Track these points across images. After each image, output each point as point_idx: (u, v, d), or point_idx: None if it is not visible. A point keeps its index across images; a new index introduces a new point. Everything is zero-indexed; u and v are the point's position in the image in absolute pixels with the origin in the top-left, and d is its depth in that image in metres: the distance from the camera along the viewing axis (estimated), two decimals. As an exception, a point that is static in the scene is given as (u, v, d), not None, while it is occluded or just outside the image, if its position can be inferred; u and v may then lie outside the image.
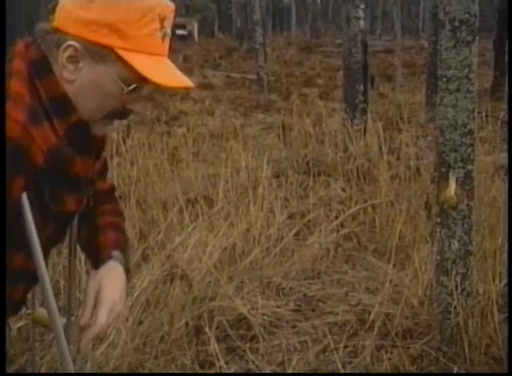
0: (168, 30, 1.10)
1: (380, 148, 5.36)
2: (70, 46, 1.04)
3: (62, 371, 1.23)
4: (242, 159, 5.44)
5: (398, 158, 5.35)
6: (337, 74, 12.80)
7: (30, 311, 1.42)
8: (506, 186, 2.85)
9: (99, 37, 1.03)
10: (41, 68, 1.06)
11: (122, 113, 1.13)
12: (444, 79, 2.34)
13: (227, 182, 4.85)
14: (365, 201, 4.57)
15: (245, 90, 12.97)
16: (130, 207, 4.36)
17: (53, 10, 1.07)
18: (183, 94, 12.18)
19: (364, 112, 6.64)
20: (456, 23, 2.26)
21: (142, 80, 1.05)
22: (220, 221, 4.08)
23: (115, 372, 2.70)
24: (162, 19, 1.07)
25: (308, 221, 4.30)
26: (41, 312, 1.41)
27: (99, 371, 2.70)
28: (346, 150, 5.71)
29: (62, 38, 1.05)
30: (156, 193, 4.73)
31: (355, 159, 5.41)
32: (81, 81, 1.06)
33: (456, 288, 2.50)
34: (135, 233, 3.98)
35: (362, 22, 6.75)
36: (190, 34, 34.66)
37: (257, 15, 11.68)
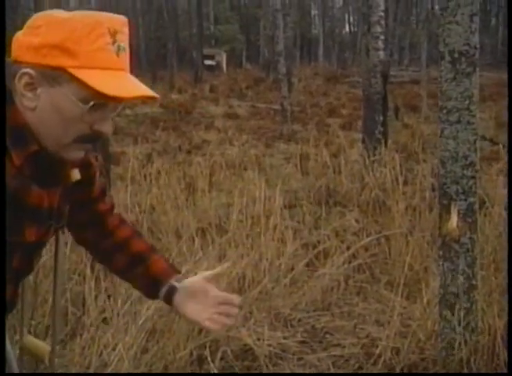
0: (123, 44, 1.08)
1: (397, 179, 5.31)
2: (24, 74, 1.05)
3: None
4: (258, 188, 5.45)
5: (414, 189, 5.29)
6: (362, 103, 12.81)
7: (18, 337, 1.42)
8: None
9: (50, 60, 1.04)
10: (6, 99, 1.07)
11: (91, 136, 1.11)
12: (444, 111, 2.32)
13: (241, 211, 4.84)
14: (379, 232, 4.52)
15: (269, 120, 13.06)
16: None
17: (10, 43, 1.09)
18: (207, 123, 12.32)
19: (383, 143, 6.62)
20: (456, 55, 2.25)
21: (100, 96, 1.04)
22: (230, 250, 4.07)
23: (115, 372, 2.70)
24: (113, 33, 1.06)
25: (320, 252, 4.26)
26: (29, 340, 1.42)
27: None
28: (362, 180, 5.68)
29: (17, 67, 1.06)
30: (170, 221, 4.74)
31: (370, 190, 5.37)
32: (41, 108, 1.06)
33: (460, 323, 2.44)
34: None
35: (381, 53, 6.77)
36: (218, 64, 35.11)
37: (281, 46, 11.80)
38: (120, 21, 1.09)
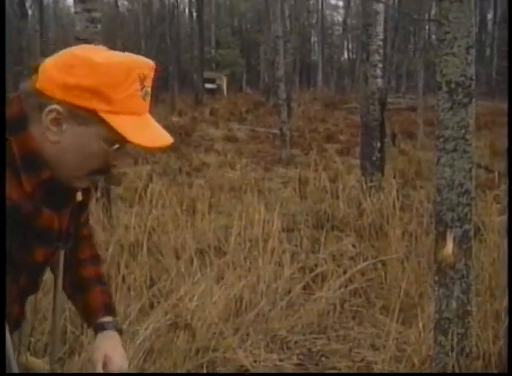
0: (149, 89, 1.13)
1: (394, 204, 5.35)
2: (53, 110, 1.07)
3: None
4: (256, 212, 5.48)
5: (411, 215, 5.31)
6: (360, 130, 12.89)
7: (16, 355, 1.43)
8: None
9: (82, 101, 1.06)
10: (17, 125, 1.09)
11: (106, 168, 1.16)
12: (441, 139, 2.36)
13: (239, 234, 4.86)
14: (376, 257, 4.54)
15: (268, 144, 13.12)
16: (142, 255, 4.40)
17: (35, 70, 1.10)
18: (207, 146, 12.37)
19: (380, 168, 6.66)
20: (453, 86, 2.30)
21: (123, 140, 1.09)
22: (228, 272, 4.09)
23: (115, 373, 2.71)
24: (142, 79, 1.10)
25: (317, 275, 4.28)
26: (28, 358, 1.43)
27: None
28: (360, 205, 5.71)
29: (45, 102, 1.07)
30: (169, 242, 4.75)
31: (367, 215, 5.40)
32: (65, 143, 1.09)
33: (454, 348, 2.45)
34: (144, 280, 4.00)
35: (379, 80, 6.84)
36: (219, 88, 35.34)
37: (281, 71, 11.91)
38: (149, 66, 1.13)
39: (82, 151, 1.10)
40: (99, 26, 5.53)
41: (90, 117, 1.07)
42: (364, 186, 6.03)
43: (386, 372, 3.00)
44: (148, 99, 1.13)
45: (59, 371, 1.34)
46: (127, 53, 1.13)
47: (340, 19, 53.70)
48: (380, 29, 6.82)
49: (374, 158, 6.74)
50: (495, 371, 2.41)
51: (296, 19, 34.53)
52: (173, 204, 5.87)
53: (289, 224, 5.76)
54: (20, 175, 1.08)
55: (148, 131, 1.11)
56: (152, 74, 1.14)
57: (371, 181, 6.38)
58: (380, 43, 6.84)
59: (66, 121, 1.08)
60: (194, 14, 29.84)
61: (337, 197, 6.32)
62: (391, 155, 9.67)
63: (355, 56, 48.80)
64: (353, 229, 5.30)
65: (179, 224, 5.22)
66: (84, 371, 2.85)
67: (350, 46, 54.58)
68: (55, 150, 1.10)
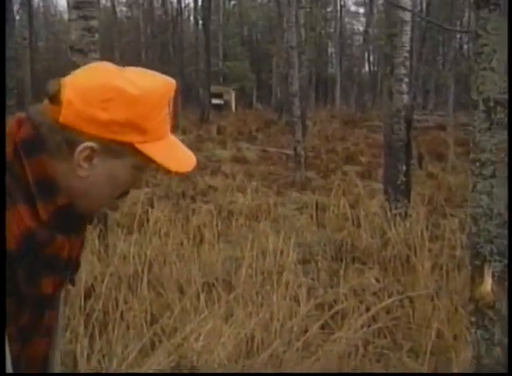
0: (171, 110, 1.20)
1: (422, 234, 5.33)
2: (87, 148, 1.11)
3: None
4: (269, 241, 5.48)
5: (441, 246, 5.29)
6: (383, 151, 12.92)
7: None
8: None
9: (120, 136, 1.12)
10: (31, 148, 1.11)
11: (127, 191, 1.24)
12: (477, 163, 2.34)
13: (250, 265, 4.86)
14: (402, 293, 4.51)
15: (281, 166, 13.18)
16: (142, 289, 4.39)
17: (53, 99, 1.11)
18: (214, 167, 12.42)
19: (406, 194, 6.65)
20: (491, 104, 2.29)
21: (152, 163, 1.17)
22: (238, 308, 4.07)
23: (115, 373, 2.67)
24: (169, 102, 1.18)
25: (336, 313, 4.25)
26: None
27: None
28: (384, 235, 5.69)
29: (75, 138, 1.11)
30: (173, 275, 4.75)
31: (392, 246, 5.38)
32: (96, 177, 1.15)
33: (493, 399, 2.41)
34: (144, 317, 3.99)
35: (405, 97, 6.88)
36: (227, 103, 35.66)
37: (295, 86, 12.00)
38: (174, 87, 1.19)
39: (114, 182, 1.17)
40: (96, 35, 5.59)
41: (124, 149, 1.13)
42: (388, 214, 6.03)
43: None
44: (170, 119, 1.21)
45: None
46: (155, 74, 1.18)
47: (361, 28, 54.08)
48: (406, 39, 6.86)
49: (399, 182, 6.75)
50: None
51: (312, 29, 34.76)
52: (176, 232, 5.89)
53: (305, 255, 5.76)
54: (36, 202, 1.11)
55: (176, 154, 1.20)
56: (174, 94, 1.21)
57: (396, 208, 6.38)
58: (406, 55, 6.88)
59: (97, 156, 1.13)
60: (200, 22, 30.11)
61: (359, 226, 6.33)
62: (418, 179, 9.69)
63: (377, 69, 49.09)
64: (376, 261, 5.29)
65: (183, 254, 5.23)
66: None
67: (371, 58, 55.01)
68: (83, 184, 1.15)
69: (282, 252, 5.20)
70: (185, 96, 34.28)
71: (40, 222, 1.11)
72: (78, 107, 1.10)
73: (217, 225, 6.41)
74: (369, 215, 6.45)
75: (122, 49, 37.16)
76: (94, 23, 5.56)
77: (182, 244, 5.56)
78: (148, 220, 6.24)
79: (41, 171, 1.11)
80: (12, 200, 1.08)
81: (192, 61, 36.09)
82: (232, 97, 37.32)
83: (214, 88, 32.53)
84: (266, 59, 48.01)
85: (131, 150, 1.13)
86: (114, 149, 1.12)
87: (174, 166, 1.17)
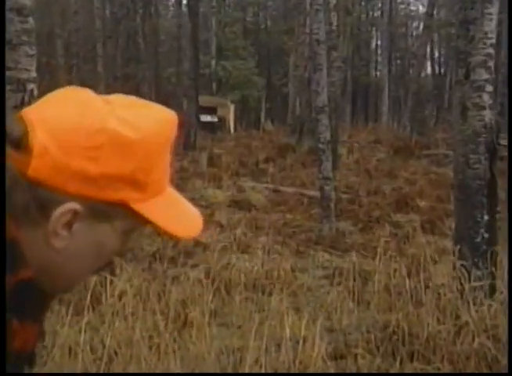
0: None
1: (513, 318, 5.30)
2: (69, 211, 1.13)
3: None
4: (285, 325, 5.46)
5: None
6: (453, 192, 12.91)
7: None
8: None
9: (111, 194, 1.15)
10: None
11: (111, 261, 1.28)
12: None
13: (257, 361, 4.85)
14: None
15: (301, 214, 13.20)
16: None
17: (18, 145, 1.12)
18: (204, 215, 12.31)
19: (490, 257, 6.62)
20: None
21: (145, 224, 1.21)
22: None
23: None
24: (172, 145, 1.23)
25: None
26: None
27: None
28: (457, 319, 5.66)
29: (50, 197, 1.13)
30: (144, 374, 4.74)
31: (472, 335, 5.35)
32: (75, 247, 1.18)
33: None
34: None
35: (487, 113, 6.84)
36: (222, 121, 35.82)
37: (323, 97, 12.00)
38: (176, 123, 1.24)
39: (98, 253, 1.21)
40: (30, 20, 5.62)
41: (115, 210, 1.17)
42: (465, 287, 5.99)
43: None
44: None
45: None
46: (152, 107, 1.23)
47: (421, 9, 54.42)
48: (489, 28, 6.76)
49: (479, 240, 6.73)
50: None
51: (347, 12, 35.04)
52: (149, 311, 5.87)
53: (338, 346, 5.73)
54: None
55: (179, 212, 1.26)
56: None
57: (475, 278, 6.34)
58: (490, 51, 6.82)
59: (80, 220, 1.16)
60: (183, 2, 30.50)
61: (419, 304, 6.28)
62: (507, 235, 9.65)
63: (444, 72, 49.35)
64: (447, 358, 5.24)
65: (159, 344, 5.20)
66: None
67: (436, 55, 55.38)
68: (58, 257, 1.18)
69: (304, 341, 5.16)
70: (161, 111, 34.73)
71: None
72: (56, 157, 1.12)
73: (209, 301, 6.38)
74: (435, 289, 6.40)
75: (67, 41, 37.55)
76: (26, 1, 5.59)
77: (156, 328, 5.53)
78: (106, 294, 6.21)
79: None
80: None
81: (173, 59, 36.61)
82: (230, 112, 37.46)
83: (204, 100, 32.76)
84: (280, 57, 48.58)
85: (124, 210, 1.17)
86: (102, 210, 1.16)
87: (181, 230, 1.21)
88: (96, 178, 1.12)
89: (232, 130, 36.22)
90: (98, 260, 1.22)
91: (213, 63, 43.63)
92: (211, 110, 35.35)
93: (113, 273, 7.05)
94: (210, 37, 43.58)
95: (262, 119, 43.35)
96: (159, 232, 1.22)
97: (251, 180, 17.57)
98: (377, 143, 26.96)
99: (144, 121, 1.17)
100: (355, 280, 7.51)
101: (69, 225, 1.15)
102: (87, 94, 1.20)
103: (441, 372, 5.17)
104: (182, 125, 1.29)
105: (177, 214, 1.23)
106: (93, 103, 1.17)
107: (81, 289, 6.53)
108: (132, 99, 1.23)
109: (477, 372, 2.34)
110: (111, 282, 6.53)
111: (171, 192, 1.25)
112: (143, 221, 1.19)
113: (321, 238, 10.99)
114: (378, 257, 7.90)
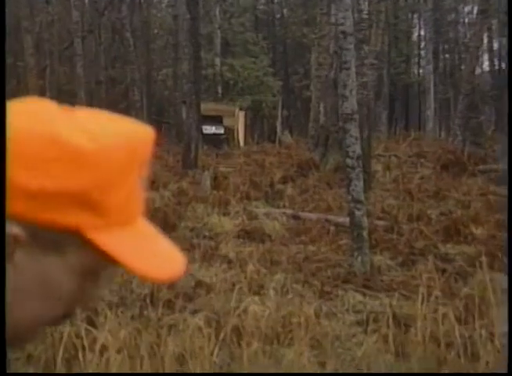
0: (145, 177, 1.26)
1: None
2: (8, 236, 1.13)
3: None
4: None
5: None
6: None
7: None
8: None
9: (57, 215, 1.14)
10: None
11: (68, 314, 1.28)
12: None
13: None
14: None
15: (326, 245, 13.15)
16: None
17: None
18: (207, 248, 12.40)
19: None
20: None
21: (110, 261, 1.19)
22: None
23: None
24: (142, 163, 1.25)
25: None
26: None
27: None
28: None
29: None
30: None
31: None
32: (19, 283, 1.17)
33: None
34: None
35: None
36: (230, 133, 35.73)
37: (352, 102, 11.95)
38: (151, 139, 1.27)
39: (44, 292, 1.19)
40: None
41: (66, 239, 1.16)
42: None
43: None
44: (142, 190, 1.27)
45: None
46: (122, 120, 1.25)
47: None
48: None
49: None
50: None
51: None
52: (138, 369, 5.88)
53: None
54: None
55: (152, 249, 1.24)
56: (150, 150, 1.28)
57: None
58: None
59: (22, 249, 1.15)
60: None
61: (475, 358, 6.27)
62: None
63: (504, 67, 48.94)
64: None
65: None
66: None
67: (495, 47, 54.89)
68: None
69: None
70: (155, 121, 34.69)
71: None
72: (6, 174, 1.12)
73: (213, 353, 6.40)
74: (495, 337, 6.42)
75: (38, 36, 37.51)
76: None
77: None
78: (84, 349, 6.21)
79: None
80: None
81: (168, 58, 36.62)
82: (239, 122, 37.27)
83: (207, 107, 32.52)
84: (299, 53, 48.55)
85: (79, 240, 1.16)
86: (50, 238, 1.15)
87: (153, 270, 1.20)
88: (43, 195, 1.12)
89: (241, 143, 36.08)
90: (47, 303, 1.20)
91: (218, 61, 43.56)
92: (216, 120, 35.13)
93: (91, 323, 7.03)
94: (213, 30, 43.53)
95: (278, 129, 42.98)
96: (127, 271, 1.19)
97: (265, 205, 17.61)
98: (421, 157, 26.60)
99: (105, 131, 1.18)
100: (395, 326, 7.45)
101: (9, 255, 1.14)
102: (46, 104, 1.21)
103: None
104: (159, 145, 1.30)
105: (150, 250, 1.22)
106: (50, 111, 1.19)
107: (54, 342, 6.49)
108: (102, 112, 1.24)
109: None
110: (91, 334, 6.49)
111: (144, 225, 1.25)
112: (105, 256, 1.17)
113: (351, 275, 10.88)
114: (422, 298, 7.83)
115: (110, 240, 1.17)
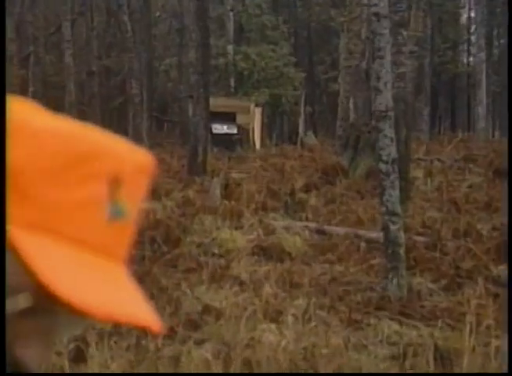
0: (126, 208, 1.20)
1: None
2: None
3: None
4: None
5: None
6: None
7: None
8: None
9: None
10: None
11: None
12: None
13: None
14: None
15: (356, 264, 13.20)
16: None
17: None
18: (216, 267, 12.46)
19: None
20: None
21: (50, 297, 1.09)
22: None
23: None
24: (116, 183, 1.19)
25: None
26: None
27: None
28: None
29: None
30: None
31: None
32: None
33: None
34: None
35: None
36: (244, 133, 35.83)
37: (387, 97, 11.96)
38: (138, 164, 1.23)
39: None
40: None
41: None
42: None
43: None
44: (120, 226, 1.20)
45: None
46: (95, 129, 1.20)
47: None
48: None
49: None
50: None
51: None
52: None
53: None
54: None
55: (101, 282, 1.15)
56: (143, 182, 1.24)
57: None
58: None
59: None
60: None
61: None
62: None
63: None
64: None
65: None
66: None
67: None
68: None
69: None
70: (156, 119, 34.81)
71: None
72: None
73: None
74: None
75: (20, 17, 37.75)
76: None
77: None
78: None
79: None
80: None
81: (172, 45, 36.80)
82: (254, 120, 37.38)
83: (217, 103, 32.67)
84: (325, 40, 48.68)
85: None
86: None
87: (79, 295, 1.06)
88: None
89: (257, 145, 36.26)
90: None
91: (230, 49, 43.71)
92: (228, 117, 35.25)
93: (81, 358, 7.03)
94: (225, 12, 43.74)
95: (301, 129, 43.19)
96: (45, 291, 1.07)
97: (284, 217, 17.65)
98: (470, 162, 26.76)
99: (69, 125, 1.17)
100: (435, 362, 7.45)
101: None
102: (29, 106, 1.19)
103: None
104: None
105: (98, 283, 1.14)
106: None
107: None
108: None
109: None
110: (80, 368, 6.53)
111: (118, 272, 1.19)
112: (29, 271, 1.08)
113: (385, 300, 10.93)
114: (470, 329, 7.85)
115: (34, 244, 1.10)
